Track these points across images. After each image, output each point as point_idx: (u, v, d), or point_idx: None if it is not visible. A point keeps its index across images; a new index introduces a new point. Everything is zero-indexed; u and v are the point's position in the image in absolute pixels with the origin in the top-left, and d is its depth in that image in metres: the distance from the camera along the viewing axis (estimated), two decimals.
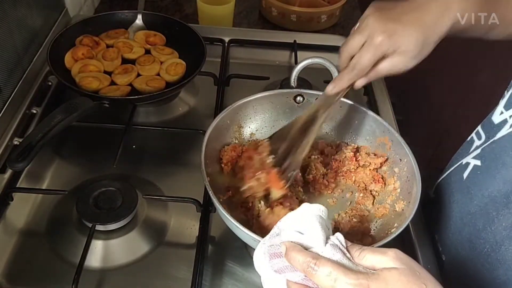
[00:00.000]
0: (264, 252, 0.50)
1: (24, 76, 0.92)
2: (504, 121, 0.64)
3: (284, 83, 0.98)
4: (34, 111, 0.91)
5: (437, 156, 0.88)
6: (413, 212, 0.64)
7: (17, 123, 0.87)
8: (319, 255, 0.46)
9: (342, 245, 0.48)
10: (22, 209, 0.77)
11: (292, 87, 0.81)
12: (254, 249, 0.72)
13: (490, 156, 0.64)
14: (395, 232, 0.62)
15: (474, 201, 0.67)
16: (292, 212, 0.51)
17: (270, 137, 0.75)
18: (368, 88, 1.04)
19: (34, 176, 0.82)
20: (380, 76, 0.66)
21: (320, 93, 0.81)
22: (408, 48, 0.61)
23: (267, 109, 0.81)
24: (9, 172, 0.80)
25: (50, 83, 0.98)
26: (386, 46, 0.61)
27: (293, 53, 1.10)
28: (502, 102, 0.65)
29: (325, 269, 0.44)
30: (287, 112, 0.82)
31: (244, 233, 0.61)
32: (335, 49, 1.14)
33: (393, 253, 0.46)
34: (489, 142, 0.66)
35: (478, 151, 0.68)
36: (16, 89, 0.89)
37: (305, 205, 0.51)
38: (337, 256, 0.46)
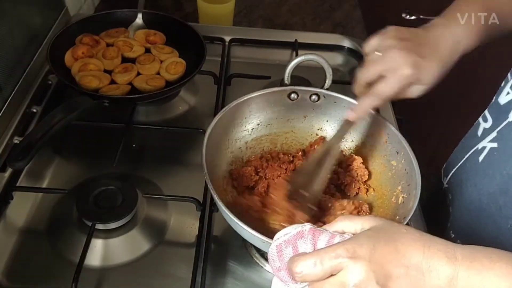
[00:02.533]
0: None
1: (24, 75, 0.92)
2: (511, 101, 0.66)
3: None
4: (34, 110, 0.91)
5: (438, 155, 0.88)
6: (416, 203, 0.65)
7: (17, 122, 0.87)
8: (295, 257, 0.46)
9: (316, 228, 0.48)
10: (22, 208, 0.77)
11: (286, 85, 0.81)
12: (254, 248, 0.73)
13: (508, 137, 0.66)
14: (403, 223, 0.62)
15: (493, 181, 0.68)
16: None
17: (288, 177, 0.76)
18: None
19: (34, 175, 0.82)
20: (396, 99, 0.70)
21: (316, 89, 0.81)
22: (429, 80, 0.67)
23: (262, 108, 0.81)
24: (9, 171, 0.80)
25: (50, 82, 0.98)
26: (412, 78, 0.65)
27: (294, 52, 1.10)
28: (508, 84, 0.67)
29: (308, 264, 0.44)
30: (282, 110, 0.83)
31: (245, 231, 0.61)
32: (336, 48, 1.16)
33: (369, 216, 0.48)
34: (505, 124, 0.67)
35: (494, 134, 0.69)
36: (16, 88, 0.89)
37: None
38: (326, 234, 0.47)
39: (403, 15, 0.77)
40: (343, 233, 0.48)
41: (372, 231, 0.46)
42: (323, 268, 0.43)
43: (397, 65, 0.65)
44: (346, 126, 0.74)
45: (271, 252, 0.49)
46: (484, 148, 0.71)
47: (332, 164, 0.73)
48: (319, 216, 0.72)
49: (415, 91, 0.68)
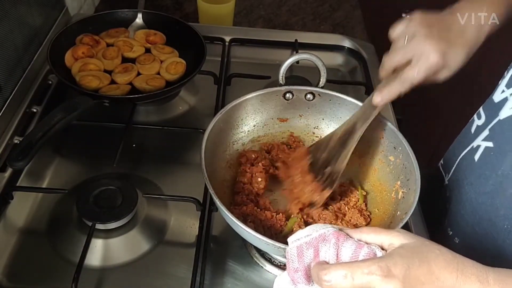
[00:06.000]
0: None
1: (25, 75, 0.92)
2: (505, 99, 0.66)
3: (285, 82, 0.98)
4: (34, 110, 0.91)
5: (438, 155, 0.88)
6: (417, 198, 0.65)
7: (17, 122, 0.87)
8: (325, 265, 0.45)
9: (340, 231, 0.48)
10: (22, 208, 0.77)
11: (281, 85, 0.81)
12: (254, 248, 0.73)
13: (501, 136, 0.66)
14: (405, 218, 0.63)
15: (489, 181, 0.68)
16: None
17: (309, 148, 0.79)
18: (368, 88, 1.04)
19: (34, 175, 0.82)
20: (422, 84, 0.70)
21: (311, 88, 0.82)
22: (455, 65, 0.67)
23: (258, 109, 0.81)
24: (9, 171, 0.80)
25: (50, 82, 0.98)
26: (439, 65, 0.66)
27: (294, 52, 1.10)
28: (504, 81, 0.68)
29: (339, 274, 0.43)
30: (278, 110, 0.83)
31: (245, 232, 0.61)
32: (336, 48, 1.16)
33: (396, 231, 0.47)
34: (495, 122, 0.67)
35: (486, 132, 0.69)
36: (17, 87, 0.89)
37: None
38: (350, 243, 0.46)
39: (403, 15, 0.77)
40: (367, 243, 0.47)
41: (405, 249, 0.45)
42: (353, 282, 0.43)
43: (424, 52, 0.65)
44: (370, 109, 0.73)
45: (291, 253, 0.48)
46: (478, 146, 0.71)
47: (354, 146, 0.73)
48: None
49: (441, 76, 0.68)
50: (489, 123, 0.69)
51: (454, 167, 0.79)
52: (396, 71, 0.69)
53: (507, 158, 0.65)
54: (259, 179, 0.76)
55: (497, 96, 0.69)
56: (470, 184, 0.73)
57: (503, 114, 0.66)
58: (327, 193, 0.73)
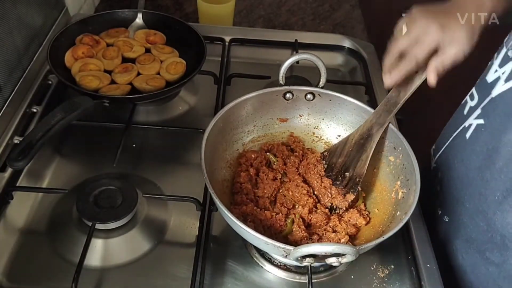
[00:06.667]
0: None
1: (24, 75, 0.92)
2: (497, 78, 0.68)
3: (285, 82, 0.98)
4: (35, 110, 0.91)
5: None
6: (416, 198, 0.66)
7: (17, 122, 0.87)
8: None
9: None
10: (22, 208, 0.77)
11: (281, 85, 0.81)
12: (254, 248, 0.73)
13: (493, 113, 0.68)
14: (405, 218, 0.64)
15: (479, 156, 0.70)
16: None
17: (321, 153, 0.81)
18: (368, 88, 1.04)
19: (34, 175, 0.82)
20: (447, 68, 0.69)
21: (311, 88, 0.82)
22: (461, 36, 0.66)
23: (258, 109, 0.81)
24: (9, 171, 0.80)
25: (50, 82, 0.98)
26: (439, 36, 0.66)
27: (294, 52, 1.10)
28: (496, 62, 0.69)
29: None
30: (278, 110, 0.83)
31: (246, 232, 0.61)
32: (336, 48, 1.17)
33: None
34: (488, 100, 0.69)
35: (479, 111, 0.71)
36: (17, 88, 0.89)
37: None
38: None
39: (403, 15, 0.78)
40: None
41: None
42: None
43: (424, 29, 0.66)
44: (385, 114, 0.74)
45: None
46: (470, 125, 0.73)
47: (373, 150, 0.75)
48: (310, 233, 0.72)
49: (451, 52, 0.67)
50: (482, 102, 0.70)
51: (443, 148, 0.80)
52: (401, 59, 0.70)
53: (498, 133, 0.66)
54: (272, 194, 0.77)
55: (490, 76, 0.70)
56: (461, 161, 0.74)
57: (495, 92, 0.67)
58: (350, 197, 0.75)
